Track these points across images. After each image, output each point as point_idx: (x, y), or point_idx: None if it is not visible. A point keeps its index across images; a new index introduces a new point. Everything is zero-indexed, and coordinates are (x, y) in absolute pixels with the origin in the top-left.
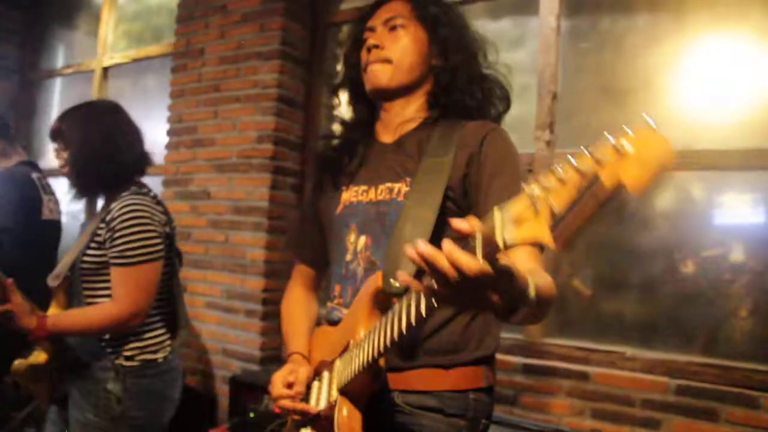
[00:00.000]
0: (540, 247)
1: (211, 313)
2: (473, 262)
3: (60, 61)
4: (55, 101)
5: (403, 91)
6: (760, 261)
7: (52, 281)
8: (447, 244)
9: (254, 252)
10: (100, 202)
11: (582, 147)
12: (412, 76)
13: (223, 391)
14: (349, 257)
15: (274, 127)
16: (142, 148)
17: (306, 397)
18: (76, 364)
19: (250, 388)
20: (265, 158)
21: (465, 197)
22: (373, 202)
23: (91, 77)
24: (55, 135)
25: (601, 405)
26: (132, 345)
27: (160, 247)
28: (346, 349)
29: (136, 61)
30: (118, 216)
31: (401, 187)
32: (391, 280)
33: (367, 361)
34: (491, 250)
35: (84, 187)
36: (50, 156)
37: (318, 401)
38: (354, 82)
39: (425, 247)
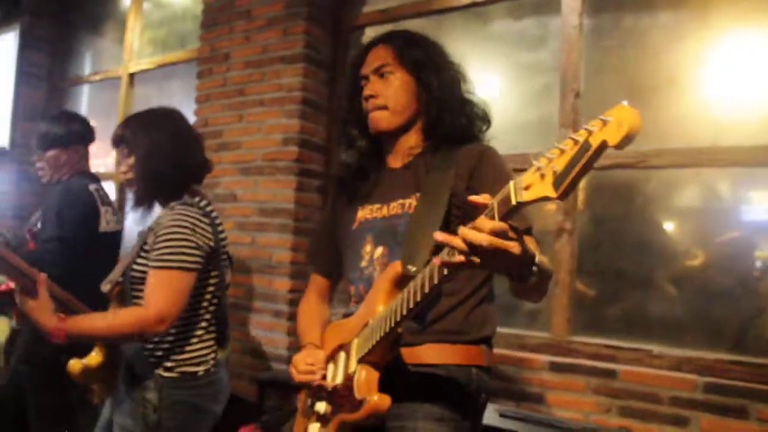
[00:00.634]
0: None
1: (239, 313)
2: (493, 222)
3: (87, 68)
4: (83, 108)
5: (403, 128)
6: None
7: (104, 287)
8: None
9: (280, 253)
10: (156, 210)
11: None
12: (406, 114)
13: (251, 390)
14: (364, 264)
15: (298, 130)
16: (203, 154)
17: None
18: (126, 370)
19: (278, 388)
20: (290, 161)
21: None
22: (386, 217)
23: (118, 84)
24: (119, 141)
25: (628, 403)
26: (175, 356)
27: (197, 259)
28: (364, 326)
29: (161, 66)
30: (163, 223)
31: (411, 202)
32: (409, 266)
33: (390, 326)
34: (507, 210)
35: (146, 193)
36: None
37: (335, 378)
38: (360, 122)
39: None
